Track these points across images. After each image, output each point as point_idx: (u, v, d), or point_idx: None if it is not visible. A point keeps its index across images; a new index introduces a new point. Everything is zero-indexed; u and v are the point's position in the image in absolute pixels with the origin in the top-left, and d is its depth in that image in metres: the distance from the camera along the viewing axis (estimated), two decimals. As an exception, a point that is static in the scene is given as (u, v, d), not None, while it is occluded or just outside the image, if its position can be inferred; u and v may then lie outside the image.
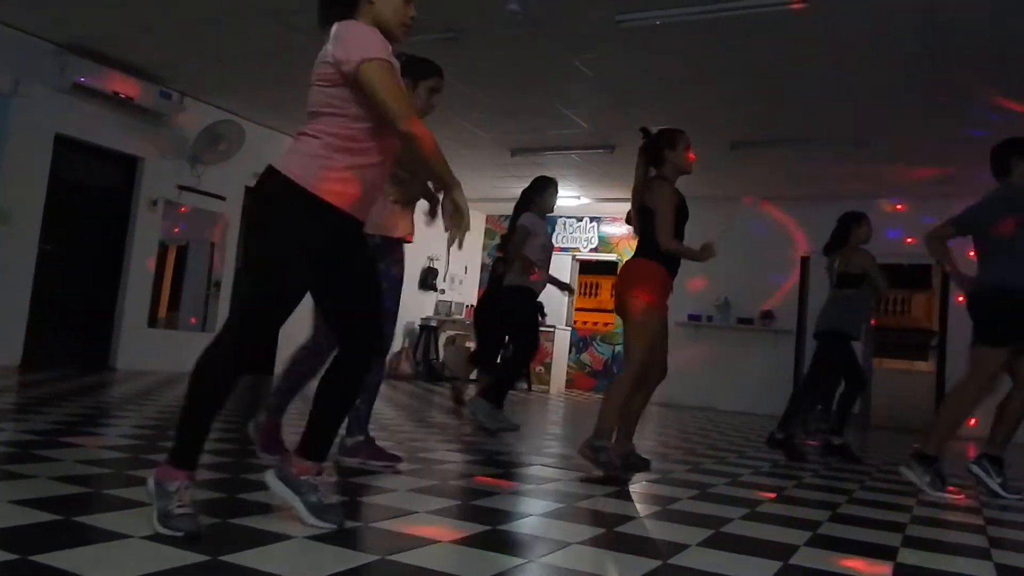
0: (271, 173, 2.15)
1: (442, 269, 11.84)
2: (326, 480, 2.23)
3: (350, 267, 2.23)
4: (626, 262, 4.05)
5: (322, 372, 2.36)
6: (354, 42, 2.05)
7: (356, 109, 2.10)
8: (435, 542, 2.10)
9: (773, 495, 3.43)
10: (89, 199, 7.41)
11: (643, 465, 3.93)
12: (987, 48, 5.30)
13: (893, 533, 2.77)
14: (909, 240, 9.27)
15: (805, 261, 10.01)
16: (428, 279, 11.56)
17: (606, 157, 8.77)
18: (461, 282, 12.49)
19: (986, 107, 6.37)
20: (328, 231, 2.12)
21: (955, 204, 9.59)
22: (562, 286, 6.08)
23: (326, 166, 2.10)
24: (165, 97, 7.45)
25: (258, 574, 1.68)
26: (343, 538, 2.05)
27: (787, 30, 5.23)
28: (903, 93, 6.25)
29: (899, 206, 9.58)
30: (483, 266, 13.02)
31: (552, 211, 5.63)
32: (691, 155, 3.99)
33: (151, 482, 1.99)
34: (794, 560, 2.23)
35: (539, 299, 5.59)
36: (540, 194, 5.38)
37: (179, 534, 1.87)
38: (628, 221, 4.18)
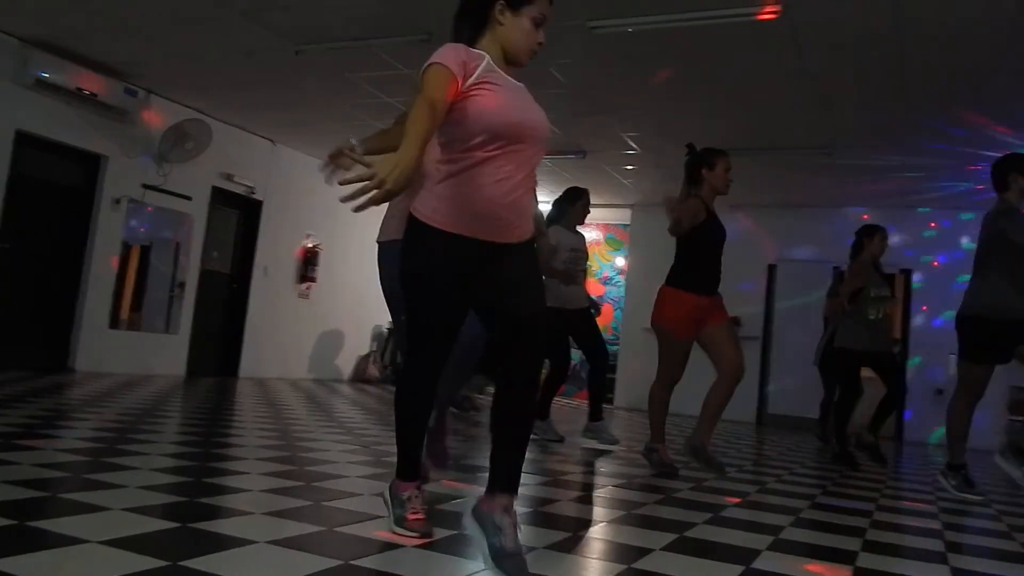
0: None
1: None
2: (514, 518, 2.01)
3: (483, 279, 2.11)
4: (660, 288, 4.25)
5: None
6: (430, 58, 2.02)
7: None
8: (399, 547, 2.09)
9: (737, 500, 3.46)
10: (50, 197, 7.27)
11: (716, 467, 4.20)
12: (950, 63, 5.41)
13: (853, 538, 2.80)
14: (873, 249, 9.43)
15: (772, 268, 10.13)
16: (398, 282, 11.51)
17: (577, 162, 8.81)
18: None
19: (948, 120, 6.50)
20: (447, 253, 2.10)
21: (917, 214, 9.80)
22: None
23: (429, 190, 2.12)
24: (131, 94, 7.33)
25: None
26: (306, 543, 2.03)
27: (757, 40, 5.30)
28: (869, 104, 6.35)
29: (864, 215, 9.73)
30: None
31: (583, 223, 5.57)
32: (727, 176, 4.20)
33: (386, 492, 2.29)
34: (756, 564, 2.25)
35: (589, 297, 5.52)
36: (571, 205, 5.36)
37: (414, 535, 2.16)
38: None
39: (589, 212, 5.60)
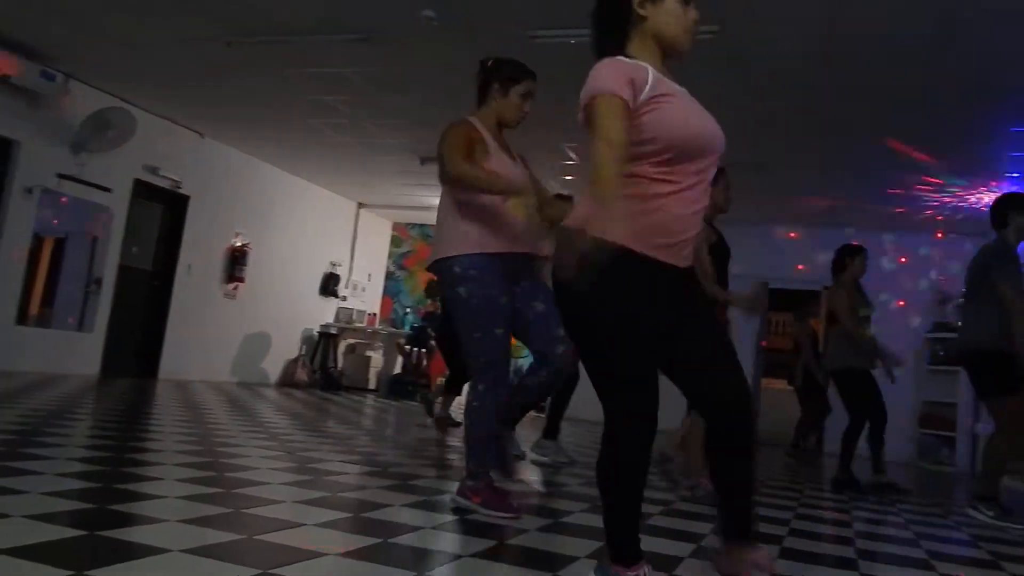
0: None
1: (344, 275, 11.64)
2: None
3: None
4: None
5: None
6: (590, 82, 1.89)
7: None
8: (321, 555, 2.04)
9: (661, 508, 3.50)
10: (-42, 184, 6.90)
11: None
12: (878, 90, 5.63)
13: (771, 545, 2.87)
14: (800, 267, 9.74)
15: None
16: (329, 285, 11.33)
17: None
18: (364, 289, 12.30)
19: (872, 144, 6.76)
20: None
21: (842, 235, 10.14)
22: None
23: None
24: (48, 78, 6.99)
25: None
26: (224, 552, 1.96)
27: (695, 56, 5.39)
28: (799, 125, 6.56)
29: (792, 234, 10.03)
30: (388, 274, 12.88)
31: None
32: (730, 195, 4.17)
33: None
34: (678, 571, 2.28)
35: None
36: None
37: None
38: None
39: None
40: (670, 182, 1.88)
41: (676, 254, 1.89)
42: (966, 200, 7.98)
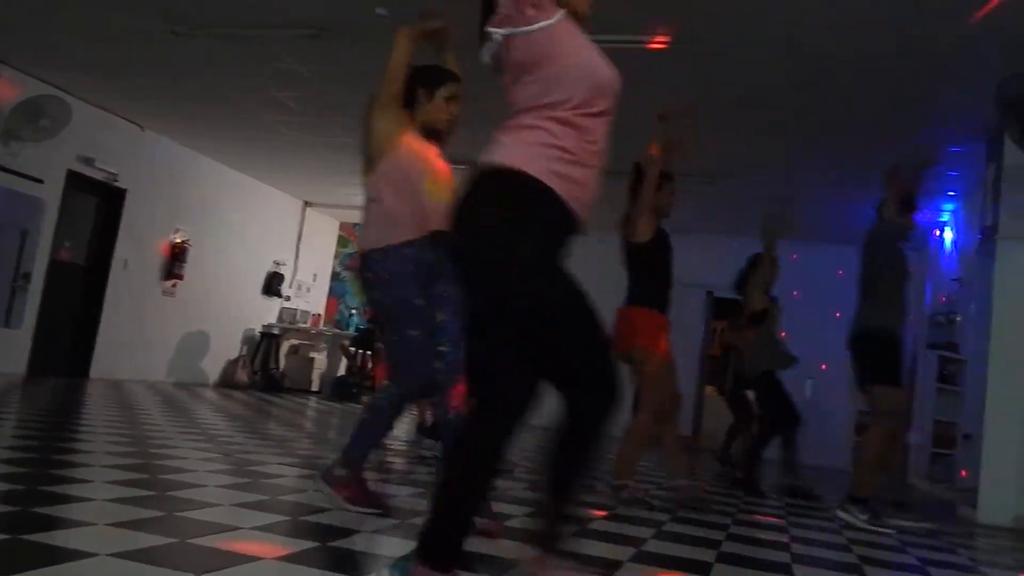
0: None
1: (288, 275, 11.46)
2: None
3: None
4: (622, 311, 4.06)
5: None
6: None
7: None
8: (257, 559, 2.00)
9: (604, 513, 3.53)
10: None
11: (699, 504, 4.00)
12: (831, 104, 5.78)
13: (709, 549, 2.92)
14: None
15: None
16: (272, 284, 11.12)
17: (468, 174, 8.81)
18: (309, 289, 12.12)
19: (828, 157, 6.94)
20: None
21: (790, 245, 10.33)
22: None
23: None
24: (-24, 63, 6.73)
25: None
26: (155, 556, 1.91)
27: (646, 67, 5.47)
28: (751, 137, 6.70)
29: (741, 243, 10.20)
30: (333, 274, 12.71)
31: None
32: (673, 199, 4.28)
33: None
34: (618, 575, 2.30)
35: None
36: None
37: None
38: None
39: None
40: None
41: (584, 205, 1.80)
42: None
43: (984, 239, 5.58)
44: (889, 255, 4.31)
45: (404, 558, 1.67)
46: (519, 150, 1.71)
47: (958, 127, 5.76)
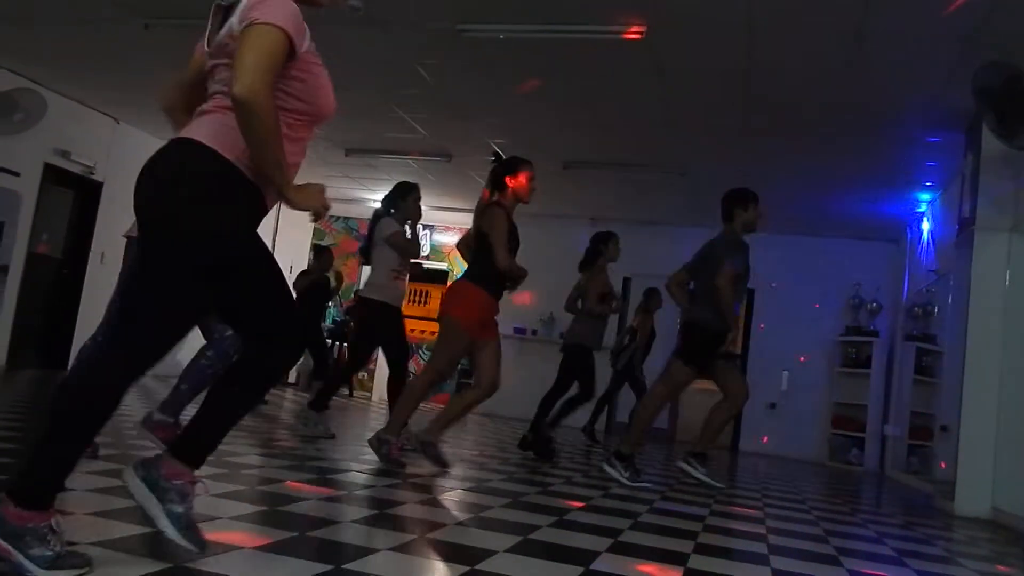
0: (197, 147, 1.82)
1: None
2: (202, 491, 1.93)
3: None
4: (454, 282, 4.28)
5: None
6: (272, 8, 1.80)
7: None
8: (236, 548, 1.99)
9: (581, 504, 3.55)
10: None
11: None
12: (798, 100, 5.83)
13: (686, 540, 2.94)
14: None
15: (627, 281, 10.50)
16: (249, 277, 11.04)
17: (443, 165, 8.80)
18: (285, 282, 12.04)
19: (792, 152, 6.99)
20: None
21: (762, 238, 10.41)
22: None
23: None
24: (-47, 55, 6.63)
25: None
26: (135, 545, 1.90)
27: (622, 58, 5.49)
28: (720, 131, 6.73)
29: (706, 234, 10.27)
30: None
31: (417, 218, 5.45)
32: (530, 185, 4.25)
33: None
34: (594, 565, 2.32)
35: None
36: (404, 199, 5.31)
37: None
38: (459, 246, 4.42)
39: (421, 209, 5.51)
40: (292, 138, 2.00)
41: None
42: (881, 207, 8.32)
43: (962, 230, 5.64)
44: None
45: None
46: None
47: (935, 117, 5.79)
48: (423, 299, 14.97)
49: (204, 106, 1.92)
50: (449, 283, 12.11)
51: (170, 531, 1.80)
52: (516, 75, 6.08)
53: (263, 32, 1.77)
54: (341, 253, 12.49)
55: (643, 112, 6.54)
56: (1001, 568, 3.40)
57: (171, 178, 1.79)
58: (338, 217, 12.69)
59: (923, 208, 8.13)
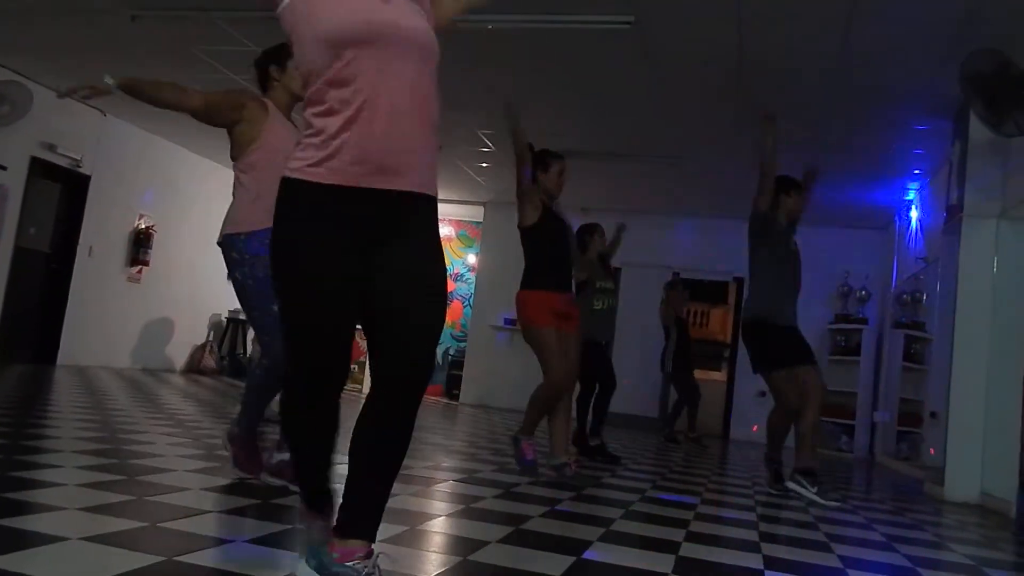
0: None
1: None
2: (386, 563, 1.68)
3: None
4: (517, 294, 4.24)
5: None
6: None
7: None
8: (228, 542, 2.00)
9: (573, 494, 3.56)
10: None
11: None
12: (785, 92, 5.83)
13: (678, 529, 2.96)
14: (712, 257, 10.04)
15: (618, 271, 10.50)
16: (239, 269, 11.00)
17: (431, 157, 8.76)
18: (275, 275, 12.01)
19: (781, 143, 6.97)
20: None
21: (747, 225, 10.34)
22: None
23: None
24: (-62, 48, 6.56)
25: (18, 580, 1.52)
26: (125, 539, 1.90)
27: (613, 48, 5.48)
28: (709, 120, 6.73)
29: (703, 224, 10.30)
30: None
31: None
32: (560, 180, 4.28)
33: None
34: (586, 555, 2.33)
35: None
36: None
37: None
38: None
39: None
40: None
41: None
42: (870, 195, 8.35)
43: (950, 217, 5.67)
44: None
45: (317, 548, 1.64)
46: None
47: (924, 105, 5.81)
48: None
49: None
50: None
51: None
52: (505, 65, 6.07)
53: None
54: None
55: (633, 102, 6.54)
56: (991, 552, 3.43)
57: None
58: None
59: (911, 196, 8.17)
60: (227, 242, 2.96)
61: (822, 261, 9.77)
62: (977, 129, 5.07)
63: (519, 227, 4.25)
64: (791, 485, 4.27)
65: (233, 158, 3.06)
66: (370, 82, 1.60)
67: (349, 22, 1.60)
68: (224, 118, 2.98)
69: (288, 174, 1.67)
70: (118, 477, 2.68)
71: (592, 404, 5.60)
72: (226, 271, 3.02)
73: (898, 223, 8.82)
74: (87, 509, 2.16)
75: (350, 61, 1.59)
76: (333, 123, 1.61)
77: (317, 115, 1.64)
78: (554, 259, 4.22)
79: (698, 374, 10.57)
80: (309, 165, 1.63)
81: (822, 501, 4.11)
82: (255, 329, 3.08)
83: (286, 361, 1.75)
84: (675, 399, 7.71)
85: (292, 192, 1.65)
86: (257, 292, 2.89)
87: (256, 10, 5.41)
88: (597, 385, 5.62)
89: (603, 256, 5.76)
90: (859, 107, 6.02)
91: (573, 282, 5.76)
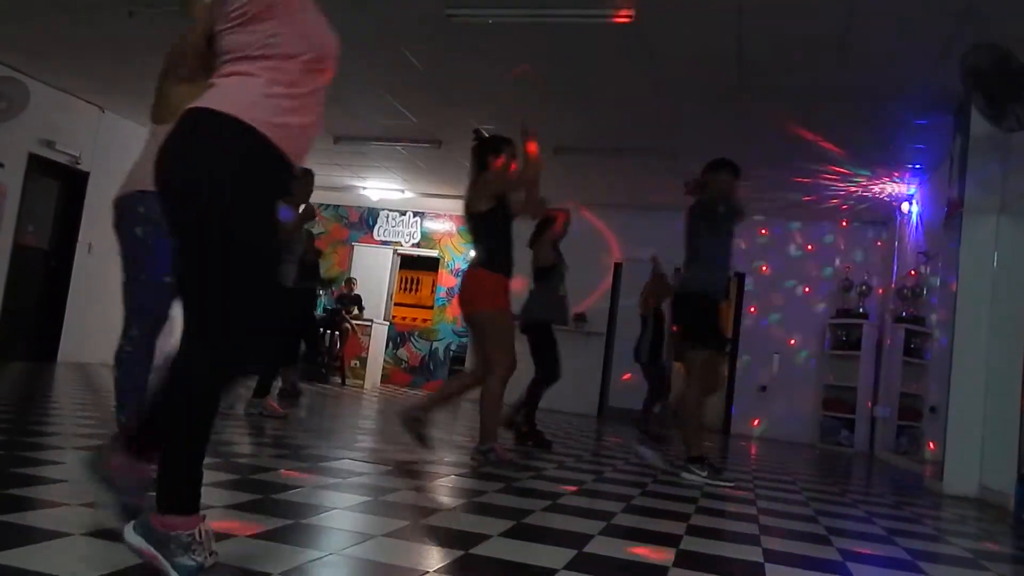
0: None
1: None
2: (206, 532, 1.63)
3: None
4: (466, 273, 4.23)
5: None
6: None
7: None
8: (231, 536, 2.00)
9: (575, 488, 3.57)
10: None
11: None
12: (784, 84, 5.83)
13: (679, 522, 2.97)
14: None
15: (618, 267, 10.53)
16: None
17: (432, 152, 8.77)
18: (275, 271, 12.02)
19: (781, 135, 6.99)
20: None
21: (751, 221, 10.38)
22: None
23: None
24: (-64, 45, 6.56)
25: (27, 574, 1.52)
26: (127, 535, 1.90)
27: (611, 42, 5.48)
28: (709, 114, 6.73)
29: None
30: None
31: (305, 202, 5.42)
32: (514, 163, 4.21)
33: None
34: (588, 548, 2.33)
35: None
36: (294, 183, 5.31)
37: None
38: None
39: (312, 191, 5.46)
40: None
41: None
42: (870, 190, 8.35)
43: (950, 212, 5.66)
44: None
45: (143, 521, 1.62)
46: (238, 97, 1.68)
47: (924, 99, 5.80)
48: (414, 287, 14.98)
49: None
50: (440, 271, 12.12)
51: None
52: (505, 60, 6.06)
53: None
54: (331, 240, 12.47)
55: (633, 96, 6.53)
56: (989, 545, 3.44)
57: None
58: (328, 205, 12.64)
59: (912, 191, 8.17)
60: (136, 199, 2.89)
61: (823, 256, 9.82)
62: (978, 124, 5.06)
63: (471, 211, 4.21)
64: (685, 475, 4.31)
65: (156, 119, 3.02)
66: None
67: (331, 42, 1.84)
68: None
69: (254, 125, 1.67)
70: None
71: (530, 387, 5.62)
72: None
73: (898, 218, 8.83)
74: (90, 504, 2.16)
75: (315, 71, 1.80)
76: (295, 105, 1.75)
77: (296, 96, 1.76)
78: (508, 245, 4.22)
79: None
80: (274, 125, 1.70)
81: (715, 483, 4.20)
82: (130, 299, 2.92)
83: (223, 331, 1.69)
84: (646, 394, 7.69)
85: (252, 145, 1.67)
86: (151, 257, 2.82)
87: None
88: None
89: (554, 242, 5.83)
90: (858, 102, 6.02)
91: (533, 267, 5.84)
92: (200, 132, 1.66)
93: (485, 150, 4.25)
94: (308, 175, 5.29)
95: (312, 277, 7.59)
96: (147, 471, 1.74)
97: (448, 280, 11.68)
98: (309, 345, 7.55)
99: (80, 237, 8.45)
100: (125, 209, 2.92)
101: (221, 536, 1.98)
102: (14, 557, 1.62)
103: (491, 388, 4.16)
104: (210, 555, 1.59)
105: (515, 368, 4.19)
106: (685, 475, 4.31)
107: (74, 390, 5.59)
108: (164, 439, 1.66)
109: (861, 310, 9.16)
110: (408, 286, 14.84)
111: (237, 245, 1.65)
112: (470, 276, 4.23)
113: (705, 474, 4.26)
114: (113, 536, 1.86)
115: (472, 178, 4.30)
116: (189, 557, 1.57)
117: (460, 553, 2.10)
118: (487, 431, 4.15)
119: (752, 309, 10.08)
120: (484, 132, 4.32)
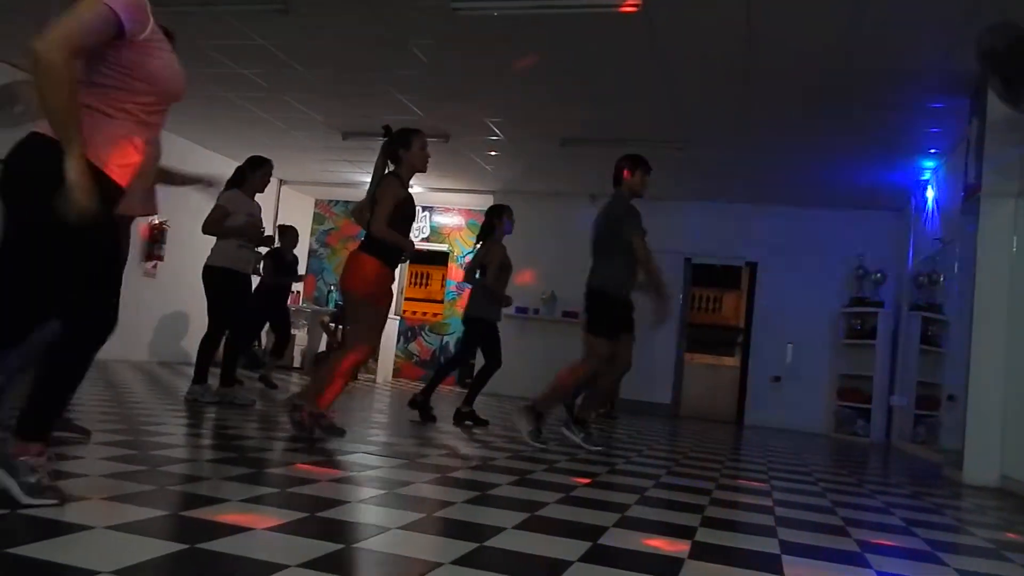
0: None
1: (267, 252, 11.40)
2: (49, 462, 2.15)
3: None
4: (351, 252, 4.21)
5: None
6: None
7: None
8: (249, 529, 2.01)
9: (588, 480, 3.56)
10: None
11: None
12: (801, 70, 5.78)
13: (693, 514, 2.95)
14: (723, 242, 9.97)
15: (627, 259, 10.49)
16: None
17: (440, 146, 8.74)
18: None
19: (789, 126, 6.94)
20: None
21: (762, 210, 10.32)
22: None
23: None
24: (-50, 47, 6.61)
25: (39, 563, 1.53)
26: (148, 528, 1.92)
27: (617, 32, 5.45)
28: (717, 104, 6.69)
29: (716, 209, 10.24)
30: (311, 252, 12.68)
31: (262, 191, 5.50)
32: (423, 155, 4.23)
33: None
34: (602, 540, 2.33)
35: None
36: (253, 172, 5.35)
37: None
38: (353, 214, 4.44)
39: (269, 181, 5.51)
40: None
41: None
42: (884, 175, 8.27)
43: (967, 197, 5.60)
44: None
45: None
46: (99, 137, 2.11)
47: (939, 82, 5.73)
48: (424, 281, 14.99)
49: None
50: (403, 264, 12.12)
51: (24, 498, 1.98)
52: (511, 53, 6.04)
53: (88, 3, 1.99)
54: (341, 236, 12.50)
55: (641, 86, 6.50)
56: (1011, 535, 3.41)
57: None
58: (338, 201, 12.67)
59: (927, 176, 8.08)
60: None
61: (836, 243, 9.73)
62: (995, 107, 5.00)
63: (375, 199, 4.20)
64: (564, 431, 4.90)
65: None
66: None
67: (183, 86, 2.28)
68: None
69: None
70: (140, 467, 2.70)
71: (478, 374, 5.96)
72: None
73: (914, 203, 8.74)
74: (111, 498, 2.18)
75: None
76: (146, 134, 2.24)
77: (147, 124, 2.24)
78: (404, 236, 4.23)
79: (711, 359, 10.56)
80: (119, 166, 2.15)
81: (587, 446, 4.71)
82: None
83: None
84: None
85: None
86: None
87: (261, 4, 5.42)
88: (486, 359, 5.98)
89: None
90: (871, 86, 5.95)
91: (478, 263, 5.96)
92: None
93: (394, 145, 4.23)
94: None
95: (287, 274, 7.77)
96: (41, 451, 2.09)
97: (458, 274, 11.68)
98: (280, 337, 7.66)
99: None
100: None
101: (238, 529, 1.99)
102: (41, 550, 1.64)
103: (336, 360, 4.10)
104: (47, 477, 2.04)
105: (371, 351, 4.19)
106: (565, 431, 4.87)
107: (92, 387, 5.63)
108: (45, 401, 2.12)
109: (876, 298, 9.08)
110: (418, 281, 14.86)
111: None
112: (353, 256, 4.19)
113: (581, 436, 4.78)
114: (134, 529, 1.88)
115: (378, 172, 4.22)
116: (32, 476, 2.00)
117: (475, 545, 2.09)
118: (314, 391, 4.03)
119: (764, 298, 10.02)
120: (390, 127, 4.31)
